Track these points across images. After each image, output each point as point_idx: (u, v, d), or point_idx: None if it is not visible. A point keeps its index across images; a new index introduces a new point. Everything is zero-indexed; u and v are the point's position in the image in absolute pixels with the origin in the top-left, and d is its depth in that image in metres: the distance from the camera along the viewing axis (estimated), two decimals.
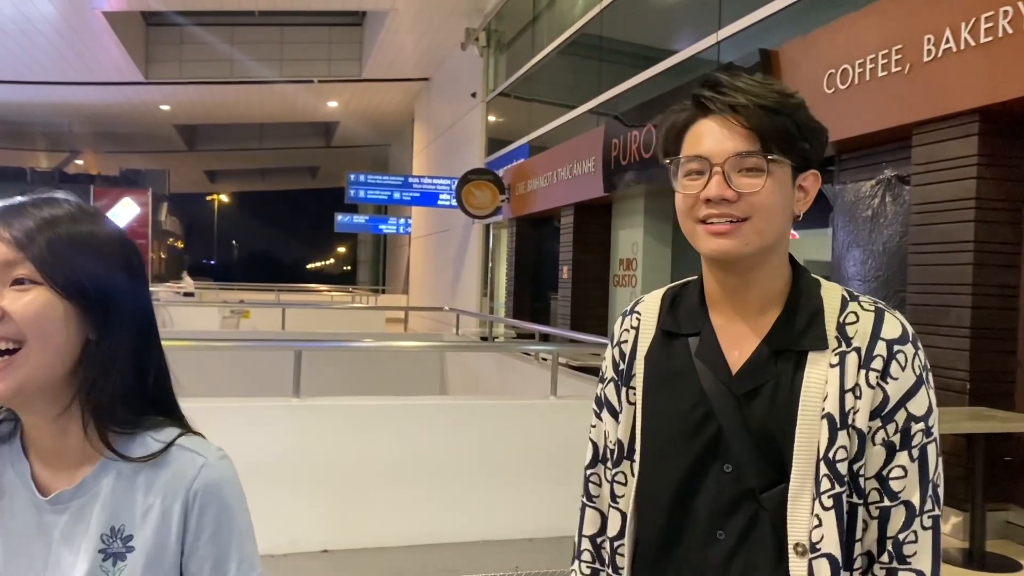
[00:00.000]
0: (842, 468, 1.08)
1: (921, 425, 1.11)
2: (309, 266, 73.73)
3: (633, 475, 1.23)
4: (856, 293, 1.18)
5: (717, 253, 1.12)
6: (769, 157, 1.09)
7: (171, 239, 38.34)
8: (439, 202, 16.14)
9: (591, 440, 1.33)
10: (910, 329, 1.14)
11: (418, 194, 16.17)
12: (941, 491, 1.14)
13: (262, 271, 48.95)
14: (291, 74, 19.49)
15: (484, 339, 11.85)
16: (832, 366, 1.10)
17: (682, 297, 1.25)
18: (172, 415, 1.06)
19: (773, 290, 1.16)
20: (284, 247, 79.46)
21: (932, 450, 1.12)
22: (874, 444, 1.10)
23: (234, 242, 77.98)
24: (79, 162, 33.35)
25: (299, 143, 29.78)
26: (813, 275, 1.20)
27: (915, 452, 1.11)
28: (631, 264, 10.49)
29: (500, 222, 14.48)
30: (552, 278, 12.07)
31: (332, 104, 23.12)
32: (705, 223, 1.11)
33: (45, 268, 0.92)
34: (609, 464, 1.28)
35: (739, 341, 1.16)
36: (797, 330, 1.13)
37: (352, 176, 15.80)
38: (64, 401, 0.95)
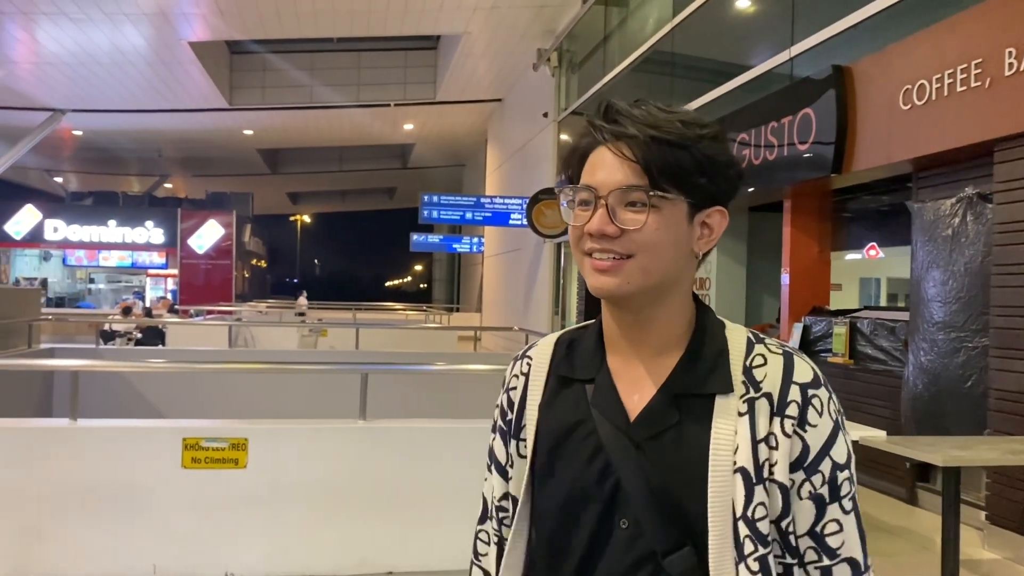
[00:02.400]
0: (763, 527, 0.98)
1: (846, 473, 1.02)
2: (387, 284, 74.93)
3: (526, 531, 1.14)
4: (762, 336, 1.09)
5: (599, 291, 1.04)
6: (653, 192, 1.00)
7: (255, 259, 39.48)
8: (510, 222, 16.24)
9: (482, 494, 1.23)
10: (820, 373, 1.05)
11: (490, 214, 16.30)
12: (866, 540, 1.05)
13: (342, 290, 49.97)
14: (368, 98, 19.93)
15: None
16: (741, 414, 1.01)
17: (579, 340, 1.15)
18: None
19: (673, 331, 1.07)
20: (363, 266, 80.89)
21: (857, 499, 1.04)
22: (800, 498, 1.01)
23: (315, 261, 79.90)
24: (168, 186, 34.72)
25: (377, 165, 30.37)
26: (719, 317, 1.11)
27: (847, 503, 1.02)
28: (704, 284, 10.34)
29: None
30: None
31: (408, 127, 23.53)
32: (591, 256, 1.04)
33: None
34: (494, 523, 1.19)
35: (638, 385, 1.07)
36: (700, 373, 1.04)
37: (426, 197, 16.05)
38: None
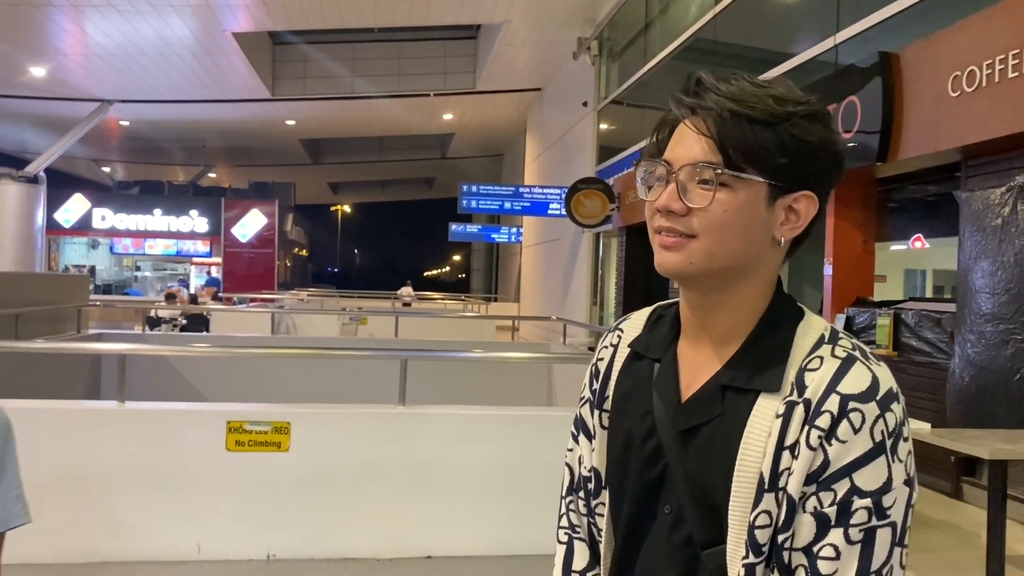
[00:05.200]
0: (761, 536, 0.92)
1: (867, 502, 0.90)
2: (426, 274, 75.38)
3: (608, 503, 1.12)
4: (842, 335, 0.99)
5: (661, 268, 1.00)
6: (722, 171, 0.94)
7: (296, 248, 39.98)
8: (549, 211, 16.22)
9: (567, 465, 1.20)
10: (884, 385, 0.93)
11: (528, 204, 16.30)
12: None
13: (381, 279, 50.40)
14: (408, 88, 20.02)
15: (591, 349, 11.80)
16: (778, 416, 0.94)
17: (664, 317, 1.12)
18: None
19: (743, 319, 1.00)
20: (402, 255, 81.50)
21: (884, 536, 0.90)
22: (804, 511, 0.92)
23: (356, 251, 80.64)
24: (212, 175, 35.24)
25: (416, 155, 30.52)
26: (801, 308, 1.02)
27: (854, 533, 0.90)
28: None
29: (610, 231, 14.40)
30: (663, 288, 11.92)
31: (447, 116, 23.59)
32: (660, 234, 0.99)
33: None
34: (582, 494, 1.16)
35: (697, 371, 1.03)
36: (751, 367, 0.97)
37: (464, 187, 16.09)
38: None
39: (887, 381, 0.94)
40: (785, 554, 0.93)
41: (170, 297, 16.42)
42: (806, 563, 0.92)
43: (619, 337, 1.16)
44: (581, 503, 1.17)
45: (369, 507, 4.33)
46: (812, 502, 0.92)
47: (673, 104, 1.01)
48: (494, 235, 25.06)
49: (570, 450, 1.20)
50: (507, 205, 16.43)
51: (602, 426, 1.13)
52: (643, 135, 13.27)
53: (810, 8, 9.21)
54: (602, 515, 1.13)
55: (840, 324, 7.37)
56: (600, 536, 1.13)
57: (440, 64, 19.81)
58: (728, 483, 0.95)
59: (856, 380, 0.93)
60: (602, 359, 1.17)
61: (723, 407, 0.98)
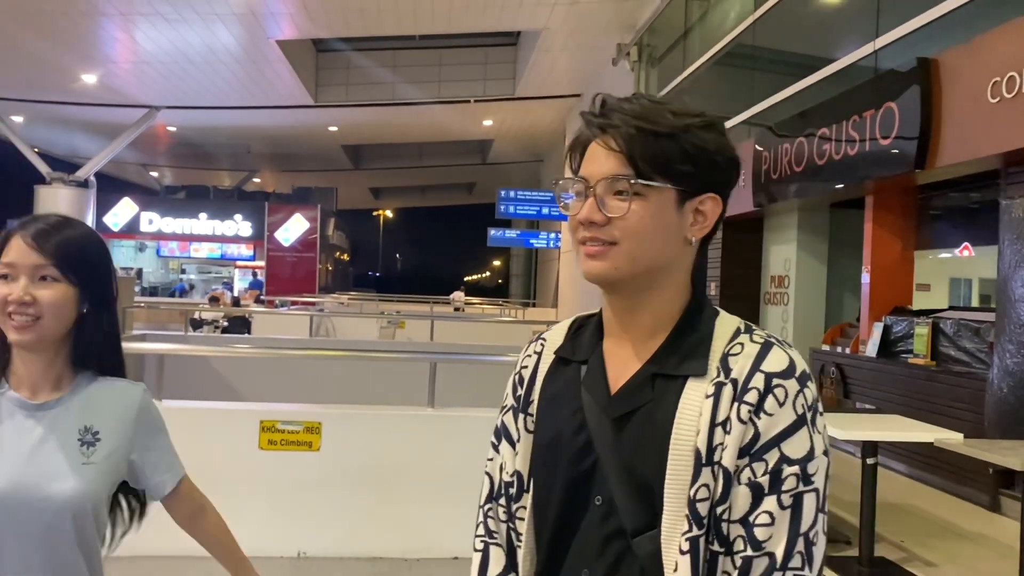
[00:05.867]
0: (702, 509, 0.99)
1: (795, 469, 0.98)
2: (465, 279, 75.68)
3: (529, 505, 1.17)
4: (754, 327, 1.09)
5: (589, 276, 1.09)
6: (634, 180, 1.03)
7: (338, 252, 40.42)
8: None
9: (487, 474, 1.25)
10: (800, 365, 1.03)
11: None
12: (818, 552, 0.99)
13: (421, 283, 50.73)
14: (449, 95, 20.15)
15: None
16: (707, 397, 1.02)
17: (586, 326, 1.20)
18: (121, 370, 1.59)
19: (664, 316, 1.10)
20: (442, 260, 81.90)
21: (810, 501, 0.99)
22: (739, 483, 0.99)
23: (397, 255, 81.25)
24: (256, 180, 35.82)
25: (456, 161, 30.68)
26: (715, 307, 1.13)
27: (786, 499, 0.98)
28: (783, 282, 10.14)
29: None
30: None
31: (487, 123, 23.70)
32: (584, 245, 1.08)
33: (61, 268, 1.43)
34: (503, 501, 1.20)
35: (624, 366, 1.10)
36: (678, 355, 1.07)
37: (503, 192, 16.16)
38: (59, 347, 1.48)
39: (801, 363, 1.04)
40: (724, 525, 1.00)
41: (214, 300, 16.73)
42: (743, 533, 0.99)
43: (542, 346, 1.23)
44: (501, 510, 1.21)
45: (398, 507, 4.39)
46: (746, 473, 0.99)
47: (584, 125, 1.10)
48: (532, 240, 25.05)
49: (490, 459, 1.25)
50: (545, 210, 16.48)
51: (527, 430, 1.18)
52: None
53: (850, 14, 9.12)
54: (523, 519, 1.17)
55: (878, 333, 7.28)
56: (519, 541, 1.17)
57: (480, 71, 19.92)
58: (663, 463, 1.02)
59: (776, 360, 1.03)
60: (526, 367, 1.23)
61: (654, 393, 1.06)
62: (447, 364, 4.85)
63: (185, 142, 27.54)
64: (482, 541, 1.23)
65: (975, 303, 12.85)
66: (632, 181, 1.04)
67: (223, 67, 17.88)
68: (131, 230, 29.99)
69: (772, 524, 0.98)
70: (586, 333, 1.18)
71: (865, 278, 7.87)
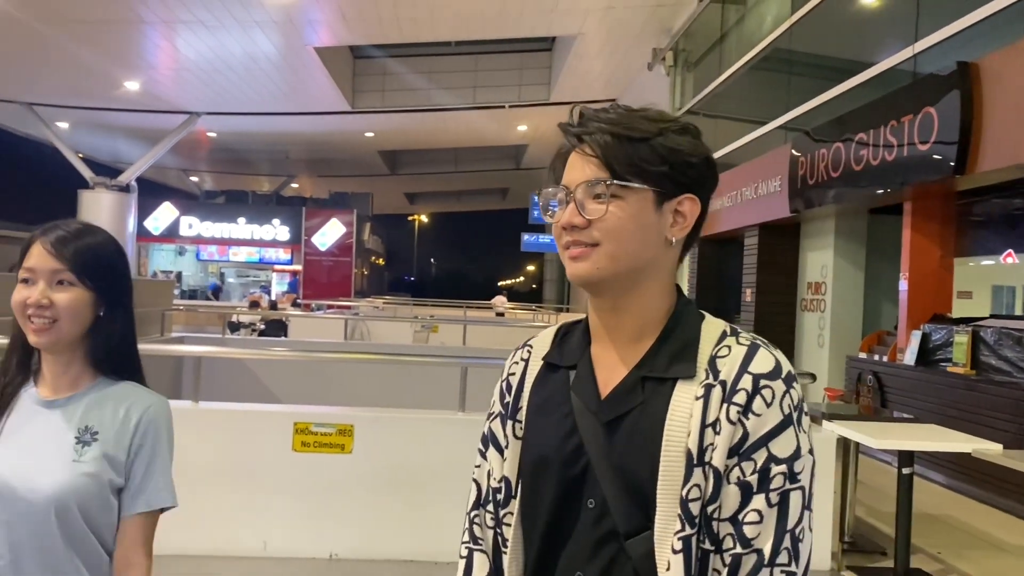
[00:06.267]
0: (694, 508, 1.01)
1: (783, 468, 1.01)
2: (499, 284, 75.79)
3: (517, 510, 1.17)
4: (740, 330, 1.12)
5: (574, 278, 1.11)
6: (611, 182, 1.07)
7: (373, 257, 40.73)
8: None
9: (474, 480, 1.26)
10: (786, 366, 1.06)
11: None
12: (805, 548, 1.02)
13: (456, 288, 50.90)
14: (484, 100, 20.24)
15: None
16: (697, 398, 1.04)
17: (572, 331, 1.22)
18: (138, 375, 1.61)
19: (649, 318, 1.12)
20: (476, 265, 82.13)
21: (796, 499, 1.02)
22: (728, 483, 1.02)
23: (431, 260, 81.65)
24: (294, 185, 36.23)
25: (490, 166, 30.77)
26: (700, 310, 1.15)
27: (773, 497, 1.01)
28: (820, 288, 10.03)
29: None
30: (735, 301, 11.75)
31: (521, 128, 23.75)
32: (568, 249, 1.11)
33: (78, 273, 1.49)
34: (491, 507, 1.21)
35: (613, 370, 1.13)
36: (667, 357, 1.09)
37: (536, 197, 16.15)
38: (75, 349, 1.53)
39: (786, 364, 1.07)
40: (714, 524, 1.02)
41: (254, 304, 16.96)
42: (733, 531, 1.02)
43: (529, 352, 1.25)
44: (488, 516, 1.22)
45: (428, 510, 4.42)
46: (736, 472, 1.02)
47: (564, 134, 1.14)
48: None
49: (477, 466, 1.26)
50: None
51: (515, 436, 1.19)
52: (717, 146, 13.15)
53: (888, 18, 9.01)
54: (510, 524, 1.18)
55: (916, 341, 7.17)
56: (506, 547, 1.18)
57: (515, 76, 19.98)
58: (655, 465, 1.03)
59: (763, 362, 1.05)
60: (513, 374, 1.25)
61: (644, 396, 1.08)
62: (478, 368, 4.86)
63: (224, 147, 27.96)
64: (467, 548, 1.24)
65: (1018, 311, 12.59)
66: (609, 183, 1.07)
67: (262, 74, 18.14)
68: (171, 234, 30.51)
69: (760, 522, 1.01)
70: (573, 339, 1.21)
71: (903, 285, 7.75)
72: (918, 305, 7.59)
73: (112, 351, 1.56)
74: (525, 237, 23.66)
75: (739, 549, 1.01)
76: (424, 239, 69.72)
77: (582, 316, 1.22)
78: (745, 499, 1.01)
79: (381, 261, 47.28)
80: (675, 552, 1.01)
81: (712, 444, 1.02)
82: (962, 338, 6.56)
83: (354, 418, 4.43)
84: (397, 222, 56.11)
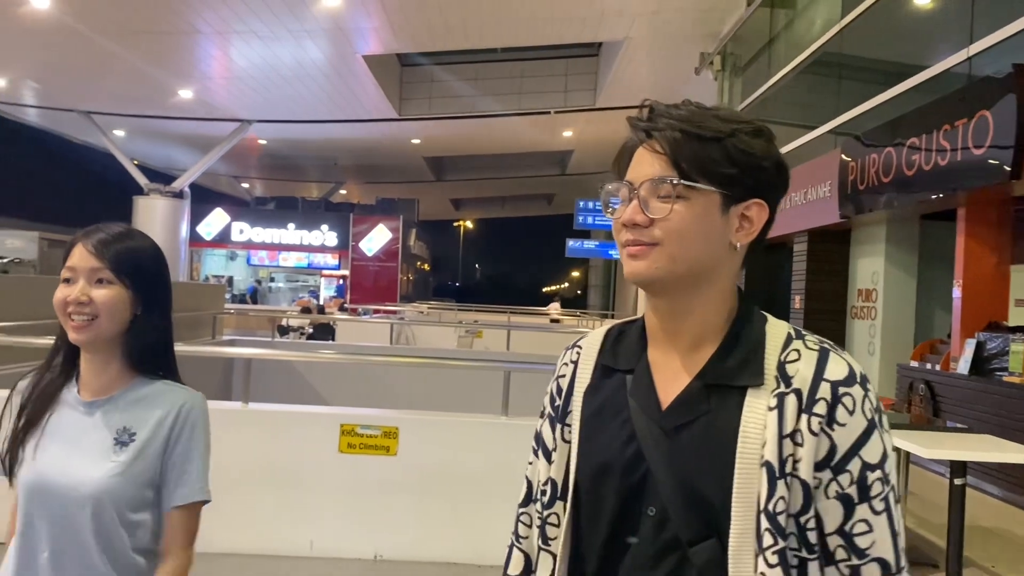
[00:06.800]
0: (783, 521, 0.99)
1: (878, 473, 1.01)
2: (544, 289, 75.70)
3: (566, 516, 1.16)
4: (804, 332, 1.09)
5: (631, 276, 1.08)
6: (677, 182, 1.04)
7: (419, 262, 41.02)
8: None
9: (526, 477, 1.27)
10: (858, 370, 1.03)
11: None
12: (903, 541, 1.03)
13: (500, 293, 51.05)
14: (529, 106, 20.28)
15: None
16: (771, 409, 1.01)
17: (627, 332, 1.20)
18: (174, 374, 1.66)
19: (710, 323, 1.10)
20: (521, 271, 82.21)
21: (892, 499, 1.02)
22: (827, 497, 1.00)
23: (476, 266, 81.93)
24: (343, 192, 36.68)
25: (536, 172, 30.78)
26: (762, 312, 1.11)
27: (877, 504, 1.01)
28: (870, 295, 9.86)
29: None
30: (783, 307, 11.60)
31: (567, 134, 23.73)
32: (626, 247, 1.09)
33: (116, 272, 1.54)
34: (538, 505, 1.22)
35: (673, 376, 1.10)
36: (734, 365, 1.06)
37: (581, 203, 16.15)
38: (113, 348, 1.57)
39: (858, 367, 1.04)
40: (810, 534, 1.00)
41: (306, 310, 17.22)
42: (843, 543, 1.01)
43: (578, 354, 1.23)
44: (535, 515, 1.23)
45: (472, 514, 4.45)
46: (833, 487, 1.00)
47: (632, 128, 1.11)
48: (611, 251, 24.96)
49: (530, 464, 1.26)
50: None
51: (563, 440, 1.18)
52: None
53: (942, 20, 8.83)
54: (555, 524, 1.18)
55: (970, 349, 7.01)
56: (548, 544, 1.19)
57: (561, 82, 19.99)
58: (725, 476, 1.01)
59: (837, 368, 1.03)
60: (563, 376, 1.23)
61: (710, 405, 1.06)
62: (521, 373, 4.88)
63: (275, 154, 28.42)
64: (511, 540, 1.27)
65: None
66: (675, 183, 1.04)
67: (312, 82, 18.42)
68: (223, 239, 31.10)
69: (871, 531, 1.01)
70: (628, 341, 1.18)
71: (956, 292, 7.59)
72: (972, 313, 7.43)
73: (148, 350, 1.61)
74: (570, 243, 23.60)
75: (855, 560, 1.01)
76: (469, 245, 70.04)
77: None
78: (848, 511, 1.01)
79: (426, 266, 47.58)
80: (771, 566, 0.99)
81: (792, 455, 1.00)
82: (1019, 347, 6.40)
83: (399, 421, 4.48)
84: (442, 228, 56.48)
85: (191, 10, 13.95)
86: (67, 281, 1.55)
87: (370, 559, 4.41)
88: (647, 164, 1.08)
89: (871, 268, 9.83)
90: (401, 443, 4.44)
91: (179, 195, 22.32)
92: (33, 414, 1.57)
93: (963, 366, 7.06)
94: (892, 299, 9.51)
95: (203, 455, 1.62)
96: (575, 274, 63.28)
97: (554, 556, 1.18)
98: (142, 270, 1.59)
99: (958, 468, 4.27)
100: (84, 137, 24.52)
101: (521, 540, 1.25)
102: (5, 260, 7.42)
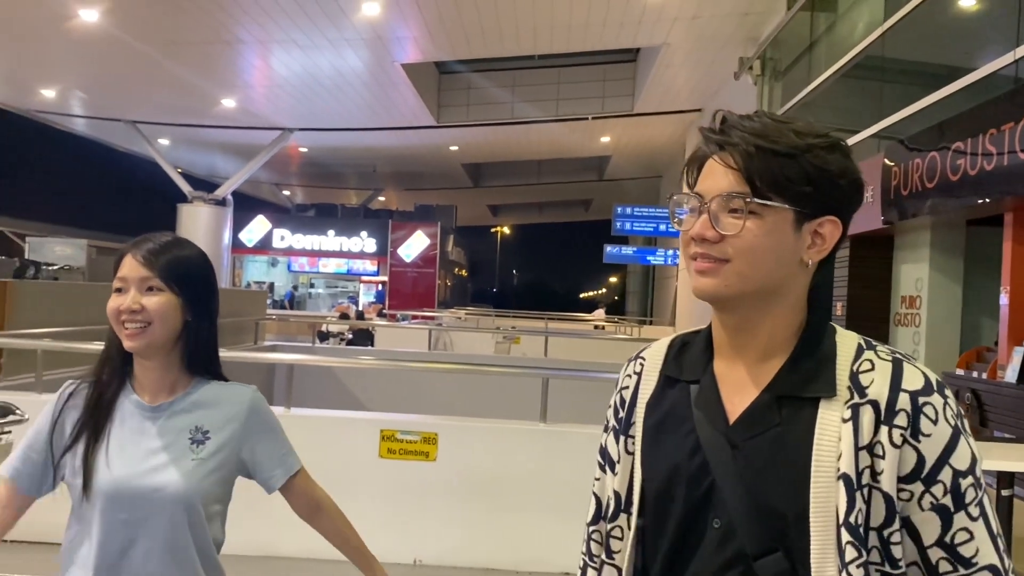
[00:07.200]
0: (862, 533, 0.97)
1: (970, 479, 0.99)
2: (581, 295, 75.56)
3: (630, 529, 1.15)
4: (875, 343, 1.07)
5: (698, 292, 1.07)
6: (750, 199, 1.01)
7: (456, 268, 41.20)
8: None
9: (593, 494, 1.24)
10: (934, 378, 1.01)
11: None
12: (1003, 543, 1.01)
13: (538, 299, 51.02)
14: (567, 112, 20.29)
15: None
16: (845, 420, 0.99)
17: (691, 343, 1.18)
18: (219, 373, 1.73)
19: (779, 337, 1.07)
20: (558, 277, 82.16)
21: (986, 502, 1.00)
22: (922, 510, 0.99)
23: (514, 271, 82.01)
24: (381, 198, 37.01)
25: (573, 177, 30.77)
26: (831, 324, 1.09)
27: (973, 510, 0.99)
28: (914, 302, 9.69)
29: None
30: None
31: (604, 139, 23.70)
32: (694, 261, 1.07)
33: (165, 280, 1.60)
34: (606, 522, 1.20)
35: (740, 388, 1.08)
36: (805, 376, 1.03)
37: (619, 209, 16.12)
38: (169, 354, 1.63)
39: (931, 374, 1.03)
40: (895, 549, 0.99)
41: (344, 316, 17.40)
42: (945, 555, 0.99)
43: (641, 365, 1.21)
44: (605, 532, 1.21)
45: (510, 520, 4.46)
46: (927, 499, 0.99)
47: (702, 141, 1.09)
48: (649, 257, 24.80)
49: (597, 479, 1.24)
50: (663, 227, 16.33)
51: (627, 451, 1.17)
52: None
53: (988, 21, 8.68)
54: (618, 538, 1.17)
55: (1018, 358, 6.86)
56: (612, 558, 1.18)
57: (598, 88, 19.97)
58: (799, 489, 1.00)
59: (913, 378, 1.01)
60: (626, 387, 1.21)
61: (781, 417, 1.03)
62: (559, 380, 4.89)
63: (315, 162, 28.76)
64: (583, 560, 1.25)
65: None
66: (748, 200, 1.02)
67: (351, 90, 18.63)
68: (264, 246, 31.55)
69: (973, 539, 0.99)
70: (692, 351, 1.16)
71: (1004, 299, 7.43)
72: (1020, 320, 7.27)
73: (202, 353, 1.68)
74: (608, 249, 23.50)
75: (963, 570, 0.99)
76: (506, 251, 70.15)
77: (672, 330, 1.21)
78: (946, 522, 0.99)
79: (464, 272, 47.77)
80: None
81: (870, 466, 0.99)
82: None
83: (438, 426, 4.51)
84: (480, 234, 56.68)
85: (233, 20, 14.21)
86: (119, 291, 1.61)
87: (410, 563, 4.45)
88: (719, 177, 1.05)
89: (915, 274, 9.67)
90: (440, 449, 4.47)
91: (222, 202, 22.68)
92: (97, 424, 1.62)
93: (1011, 374, 6.92)
94: (937, 306, 9.33)
95: (281, 431, 1.75)
96: (612, 280, 63.05)
97: (619, 569, 1.17)
98: (190, 277, 1.65)
99: (1005, 479, 4.19)
100: (130, 146, 25.07)
101: (595, 559, 1.23)
102: (55, 268, 7.62)
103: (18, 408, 3.01)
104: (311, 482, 1.82)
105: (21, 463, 1.62)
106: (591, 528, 1.24)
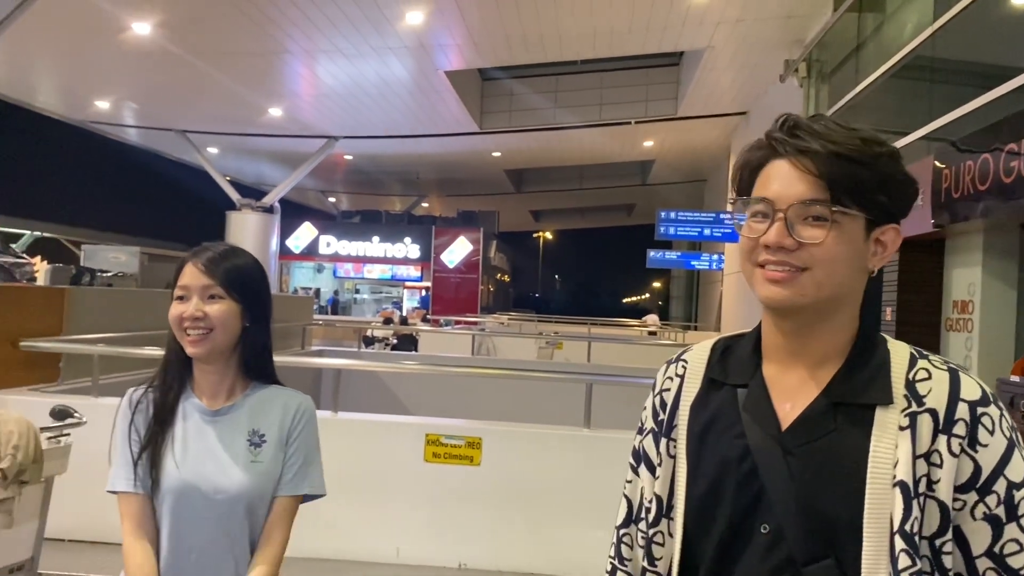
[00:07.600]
0: (917, 542, 0.97)
1: (1023, 492, 0.99)
2: (624, 300, 75.17)
3: (672, 535, 1.13)
4: (926, 352, 1.07)
5: (770, 301, 1.05)
6: (835, 208, 1.01)
7: (499, 274, 41.30)
8: None
9: (624, 496, 1.23)
10: (988, 390, 1.02)
11: (729, 230, 15.98)
12: None
13: (580, 304, 50.90)
14: (609, 117, 20.23)
15: None
16: (902, 428, 0.99)
17: (735, 346, 1.17)
18: (275, 377, 1.81)
19: (834, 344, 1.07)
20: (601, 282, 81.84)
21: None
22: (975, 519, 0.99)
23: (556, 277, 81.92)
24: (425, 205, 37.27)
25: (616, 182, 30.65)
26: (881, 333, 1.09)
27: None
28: (967, 307, 9.48)
29: None
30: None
31: (648, 143, 23.57)
32: (763, 267, 1.05)
33: (226, 287, 1.67)
34: (643, 525, 1.18)
35: (792, 393, 1.07)
36: (860, 383, 1.03)
37: (662, 213, 16.02)
38: (228, 359, 1.71)
39: (987, 386, 1.03)
40: (945, 559, 0.99)
41: (388, 321, 17.55)
42: (994, 565, 0.99)
43: (684, 367, 1.20)
44: (639, 535, 1.20)
45: (554, 525, 4.47)
46: (980, 508, 0.99)
47: (774, 144, 1.08)
48: (694, 262, 24.58)
49: (629, 482, 1.24)
50: (707, 231, 16.19)
51: (669, 455, 1.16)
52: None
53: None
54: (660, 544, 1.15)
55: None
56: (654, 565, 1.16)
57: (641, 92, 19.88)
58: (854, 496, 1.00)
59: (970, 388, 1.02)
60: (668, 390, 1.20)
61: (836, 424, 1.03)
62: (603, 386, 4.89)
63: (360, 169, 29.07)
64: (612, 564, 1.23)
65: None
66: (834, 208, 1.02)
67: (396, 98, 18.81)
68: (310, 252, 31.95)
69: (1022, 550, 0.99)
70: (738, 355, 1.16)
71: None
72: None
73: (259, 358, 1.76)
74: (651, 253, 23.34)
75: None
76: (549, 256, 70.11)
77: (715, 334, 1.20)
78: (997, 532, 0.99)
79: (506, 278, 47.84)
80: None
81: (927, 475, 0.99)
82: None
83: (483, 431, 4.54)
84: (522, 239, 56.73)
85: (280, 31, 14.45)
86: (181, 299, 1.68)
87: (454, 567, 4.48)
88: (794, 183, 1.04)
89: (967, 279, 9.46)
90: (485, 453, 4.50)
91: (269, 210, 23.03)
92: (162, 426, 1.70)
93: None
94: (990, 311, 9.12)
95: (318, 451, 1.78)
96: (656, 285, 62.63)
97: None
98: (249, 285, 1.72)
99: None
100: (180, 155, 25.58)
101: (626, 563, 1.21)
102: (110, 274, 7.82)
103: (76, 411, 3.11)
104: (290, 517, 1.74)
105: (134, 472, 1.66)
106: (622, 531, 1.23)
